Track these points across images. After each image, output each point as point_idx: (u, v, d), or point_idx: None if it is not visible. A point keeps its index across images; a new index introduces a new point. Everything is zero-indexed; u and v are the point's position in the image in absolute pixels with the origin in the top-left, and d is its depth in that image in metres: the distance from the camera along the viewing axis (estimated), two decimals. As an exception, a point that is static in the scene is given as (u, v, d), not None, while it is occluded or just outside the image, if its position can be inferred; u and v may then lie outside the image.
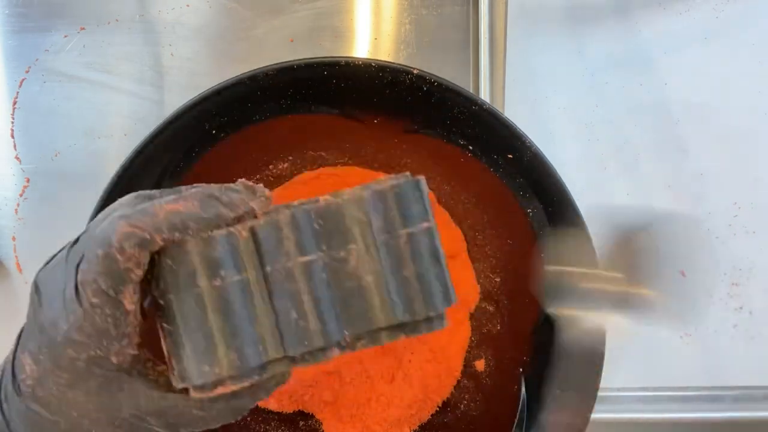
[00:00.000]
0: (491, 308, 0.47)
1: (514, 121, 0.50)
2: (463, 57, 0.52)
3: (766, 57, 0.55)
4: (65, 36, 0.52)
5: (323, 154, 0.45)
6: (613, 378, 0.54)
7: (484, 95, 0.50)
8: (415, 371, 0.44)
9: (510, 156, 0.40)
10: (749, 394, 0.54)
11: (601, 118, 0.54)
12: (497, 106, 0.51)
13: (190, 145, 0.41)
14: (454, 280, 0.46)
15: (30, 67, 0.52)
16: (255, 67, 0.49)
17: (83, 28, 0.52)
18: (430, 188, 0.46)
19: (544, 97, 0.53)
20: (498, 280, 0.47)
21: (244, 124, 0.41)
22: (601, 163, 0.54)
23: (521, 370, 0.44)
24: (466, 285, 0.47)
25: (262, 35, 0.51)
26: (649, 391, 0.54)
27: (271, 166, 0.45)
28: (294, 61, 0.37)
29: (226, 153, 0.42)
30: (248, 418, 0.44)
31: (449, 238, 0.47)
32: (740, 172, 0.55)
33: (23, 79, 0.52)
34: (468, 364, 0.47)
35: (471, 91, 0.50)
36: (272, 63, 0.37)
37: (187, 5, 0.50)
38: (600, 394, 0.53)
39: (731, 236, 0.55)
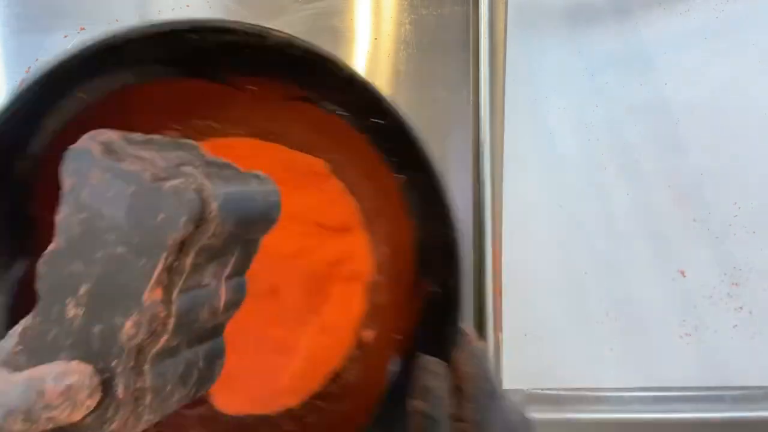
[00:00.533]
0: (382, 279, 0.47)
1: (514, 121, 0.51)
2: (463, 57, 0.51)
3: (767, 56, 0.55)
4: (65, 36, 0.52)
5: (212, 123, 0.44)
6: (612, 378, 0.54)
7: (484, 95, 0.50)
8: (306, 342, 0.44)
9: (378, 122, 0.39)
10: (749, 394, 0.54)
11: (601, 118, 0.53)
12: (497, 106, 0.51)
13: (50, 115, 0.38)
14: (352, 253, 0.47)
15: (30, 67, 0.51)
16: None
17: (83, 28, 0.52)
18: (321, 158, 0.46)
19: (544, 97, 0.53)
20: (387, 251, 0.47)
21: (109, 89, 0.38)
22: (601, 164, 0.54)
23: (401, 338, 0.44)
24: (362, 257, 0.47)
25: (261, 35, 0.50)
26: (649, 392, 0.54)
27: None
28: (156, 23, 0.35)
29: (96, 120, 0.40)
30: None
31: (344, 210, 0.46)
32: (740, 172, 0.55)
33: (23, 79, 0.51)
34: (358, 335, 0.47)
35: (470, 89, 0.50)
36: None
37: (188, 5, 0.50)
38: (599, 394, 0.54)
39: (731, 236, 0.55)
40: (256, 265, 0.45)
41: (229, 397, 0.44)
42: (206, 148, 0.44)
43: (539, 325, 0.54)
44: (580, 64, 0.53)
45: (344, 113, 0.41)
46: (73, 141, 0.34)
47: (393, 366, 0.42)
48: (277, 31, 0.35)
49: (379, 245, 0.47)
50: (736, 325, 0.54)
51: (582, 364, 0.55)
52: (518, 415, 0.37)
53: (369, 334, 0.46)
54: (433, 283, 0.40)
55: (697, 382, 0.54)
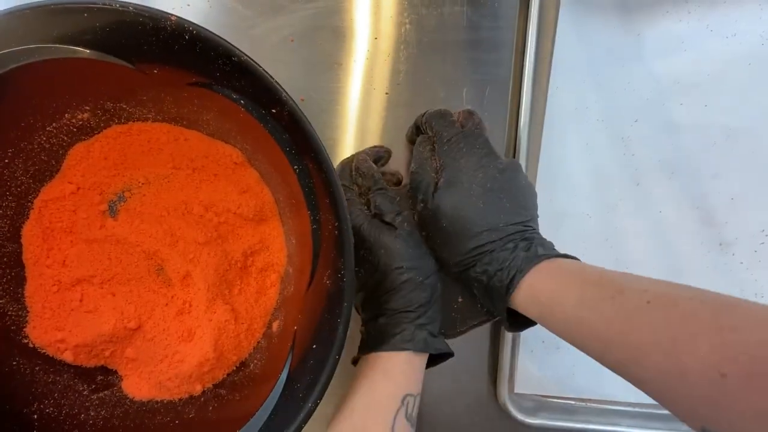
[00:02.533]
0: (291, 270, 0.46)
1: (555, 127, 0.50)
2: (462, 57, 0.50)
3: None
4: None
5: (124, 106, 0.44)
6: (624, 392, 0.53)
7: (526, 100, 0.49)
8: (214, 331, 0.44)
9: (273, 111, 0.38)
10: None
11: (638, 133, 0.52)
12: (538, 112, 0.50)
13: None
14: (267, 243, 0.46)
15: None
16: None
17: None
18: (234, 146, 0.46)
19: (584, 107, 0.52)
20: (294, 241, 0.46)
21: (14, 63, 0.38)
22: (634, 179, 0.53)
23: (295, 328, 0.43)
24: (277, 247, 0.46)
25: (262, 35, 0.50)
26: (662, 409, 0.53)
27: (68, 115, 0.43)
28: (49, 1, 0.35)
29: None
30: (37, 368, 0.43)
31: (261, 200, 0.46)
32: (770, 200, 0.53)
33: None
34: (268, 325, 0.46)
35: (511, 95, 0.50)
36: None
37: (188, 5, 0.50)
38: (611, 407, 0.55)
39: (756, 263, 0.53)
40: (171, 252, 0.44)
41: (136, 382, 0.45)
42: (124, 130, 0.44)
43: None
44: (624, 78, 0.51)
45: (245, 102, 0.40)
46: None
47: (289, 358, 0.42)
48: (169, 14, 0.35)
49: (291, 236, 0.46)
50: None
51: (595, 377, 0.54)
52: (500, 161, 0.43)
53: (276, 325, 0.46)
54: (327, 275, 0.39)
55: None
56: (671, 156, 0.52)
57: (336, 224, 0.37)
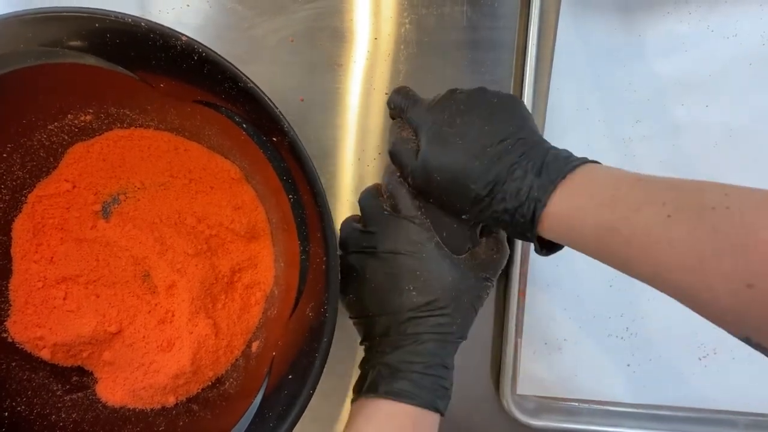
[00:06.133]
0: (276, 292, 0.46)
1: (555, 128, 0.50)
2: (462, 57, 0.50)
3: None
4: (65, 35, 0.52)
5: (127, 112, 0.44)
6: (626, 394, 0.53)
7: (527, 100, 0.49)
8: (194, 344, 0.43)
9: (274, 139, 0.38)
10: (763, 421, 0.53)
11: (639, 133, 0.52)
12: (538, 113, 0.50)
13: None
14: (256, 262, 0.46)
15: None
16: (256, 66, 0.49)
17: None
18: (232, 162, 0.46)
19: (585, 108, 0.51)
20: (282, 264, 0.46)
21: (18, 65, 0.38)
22: None
23: (273, 354, 0.43)
24: (265, 267, 0.46)
25: (262, 35, 0.50)
26: (662, 410, 0.54)
27: (70, 116, 0.43)
28: (61, 8, 0.35)
29: (4, 96, 0.40)
30: (13, 364, 0.43)
31: (254, 218, 0.46)
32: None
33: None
34: (248, 344, 0.46)
35: (515, 91, 0.50)
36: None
37: (187, 5, 0.50)
38: (613, 408, 0.55)
39: None
40: (159, 260, 0.44)
41: (110, 387, 0.45)
42: (125, 135, 0.45)
43: (559, 335, 0.53)
44: (625, 78, 0.51)
45: (247, 126, 0.40)
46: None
47: (264, 384, 0.42)
48: (180, 33, 0.35)
49: (279, 259, 0.46)
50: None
51: (598, 378, 0.54)
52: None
53: (256, 346, 0.46)
54: (310, 307, 0.39)
55: (711, 404, 0.54)
56: (672, 156, 0.52)
57: (324, 259, 0.37)
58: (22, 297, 0.44)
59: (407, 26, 0.50)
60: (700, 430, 0.53)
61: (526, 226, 0.37)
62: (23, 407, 0.42)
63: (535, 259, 0.52)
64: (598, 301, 0.53)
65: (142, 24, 0.34)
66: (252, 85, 0.36)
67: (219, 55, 0.35)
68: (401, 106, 0.44)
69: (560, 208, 0.36)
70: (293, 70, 0.50)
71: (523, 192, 0.37)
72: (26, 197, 0.44)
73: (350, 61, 0.50)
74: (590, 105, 0.51)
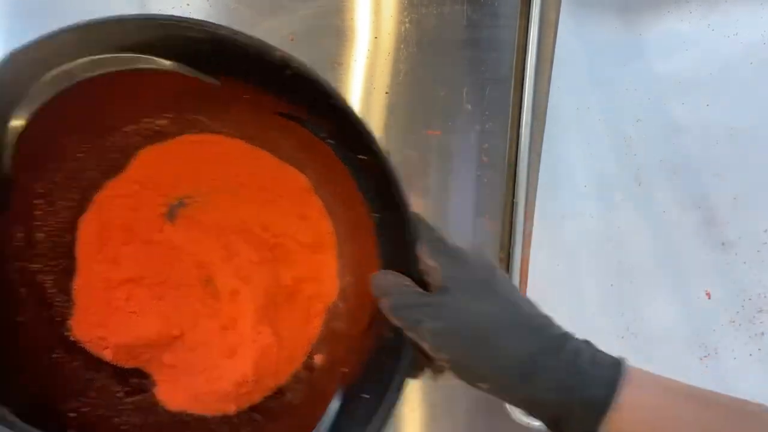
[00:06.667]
0: (342, 307, 0.46)
1: (555, 128, 0.50)
2: (462, 56, 0.51)
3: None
4: (66, 35, 0.52)
5: (203, 118, 0.44)
6: None
7: (528, 100, 0.49)
8: (256, 353, 0.43)
9: (361, 157, 0.38)
10: None
11: (640, 133, 0.52)
12: (539, 112, 0.50)
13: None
14: (319, 273, 0.47)
15: (30, 65, 0.52)
16: None
17: (84, 28, 0.52)
18: (305, 175, 0.46)
19: (586, 107, 0.52)
20: (352, 280, 0.46)
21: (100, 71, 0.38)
22: (636, 179, 0.53)
23: (344, 370, 0.43)
24: (328, 279, 0.46)
25: (262, 34, 0.49)
26: None
27: (147, 120, 0.43)
28: (158, 15, 0.35)
29: (82, 97, 0.39)
30: (76, 363, 0.42)
31: (320, 229, 0.46)
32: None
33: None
34: (309, 356, 0.46)
35: (512, 95, 0.50)
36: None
37: (188, 4, 0.50)
38: None
39: (759, 263, 0.54)
40: (223, 266, 0.44)
41: (171, 391, 0.44)
42: (197, 140, 0.44)
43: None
44: (626, 77, 0.52)
45: (333, 142, 0.40)
46: (58, 113, 0.36)
47: (335, 400, 0.41)
48: (276, 48, 0.35)
49: (346, 272, 0.46)
50: (760, 349, 0.52)
51: None
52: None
53: (319, 359, 0.46)
54: (387, 327, 0.39)
55: None
56: (673, 155, 0.52)
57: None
58: (85, 297, 0.43)
59: (407, 25, 0.50)
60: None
61: (591, 413, 0.30)
62: (87, 409, 0.42)
63: (535, 259, 0.52)
64: (598, 301, 0.53)
65: (239, 37, 0.35)
66: (346, 104, 0.36)
67: (314, 72, 0.35)
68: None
69: (643, 398, 0.31)
70: (293, 69, 0.50)
71: (581, 373, 0.31)
72: (93, 198, 0.44)
73: (350, 60, 0.50)
74: (590, 105, 0.52)
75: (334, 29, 0.50)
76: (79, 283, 0.43)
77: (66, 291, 0.43)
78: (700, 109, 0.52)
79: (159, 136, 0.44)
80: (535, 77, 0.50)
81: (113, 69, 0.38)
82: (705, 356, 0.53)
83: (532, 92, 0.50)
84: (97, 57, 0.37)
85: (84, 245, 0.43)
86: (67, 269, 0.43)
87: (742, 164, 0.53)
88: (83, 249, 0.43)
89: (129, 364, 0.44)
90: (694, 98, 0.52)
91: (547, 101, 0.51)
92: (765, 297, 0.54)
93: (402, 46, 0.50)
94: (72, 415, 0.41)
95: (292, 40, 0.50)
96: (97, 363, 0.43)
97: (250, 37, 0.35)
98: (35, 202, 0.41)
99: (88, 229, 0.43)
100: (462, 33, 0.50)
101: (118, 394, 0.43)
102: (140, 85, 0.39)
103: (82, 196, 0.43)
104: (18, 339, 0.40)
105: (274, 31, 0.50)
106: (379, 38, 0.50)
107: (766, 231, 0.54)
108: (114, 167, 0.44)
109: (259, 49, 0.35)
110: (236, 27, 0.49)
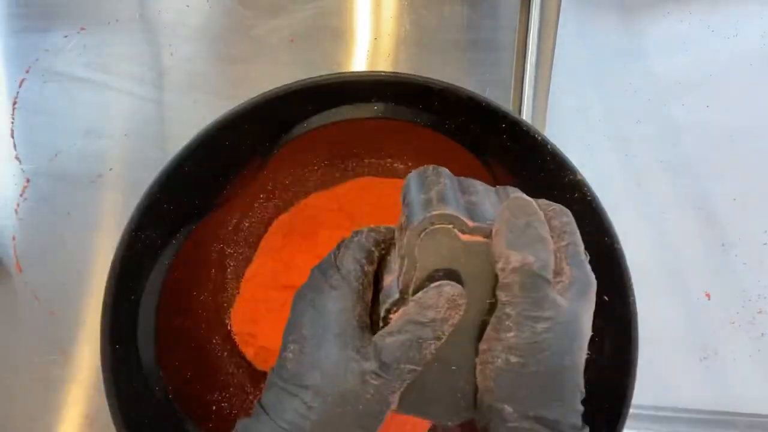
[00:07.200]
0: None
1: (555, 128, 0.50)
2: (462, 57, 0.50)
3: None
4: (65, 36, 0.52)
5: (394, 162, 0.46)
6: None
7: (527, 101, 0.49)
8: None
9: (569, 196, 0.40)
10: (763, 422, 0.53)
11: (640, 133, 0.52)
12: (539, 113, 0.50)
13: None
14: None
15: (30, 67, 0.52)
16: (256, 66, 0.49)
17: (83, 29, 0.52)
18: None
19: (586, 108, 0.52)
20: None
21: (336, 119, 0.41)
22: (636, 179, 0.53)
23: None
24: None
25: (262, 35, 0.50)
26: (661, 411, 0.54)
27: (390, 159, 0.46)
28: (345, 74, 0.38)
29: (319, 141, 0.42)
30: (226, 354, 0.44)
31: None
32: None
33: (23, 79, 0.52)
34: None
35: (513, 95, 0.50)
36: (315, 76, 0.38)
37: (187, 5, 0.50)
38: None
39: (759, 263, 0.53)
40: None
41: None
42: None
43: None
44: (625, 79, 0.51)
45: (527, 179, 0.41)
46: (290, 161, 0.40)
47: None
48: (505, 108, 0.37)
49: None
50: (759, 350, 0.52)
51: None
52: None
53: None
54: None
55: (710, 405, 0.53)
56: (673, 156, 0.52)
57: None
58: (249, 290, 0.45)
59: (407, 26, 0.50)
60: (701, 430, 0.53)
61: None
62: (225, 404, 0.42)
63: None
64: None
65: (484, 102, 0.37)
66: (542, 137, 0.39)
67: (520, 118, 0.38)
68: None
69: None
70: (293, 70, 0.50)
71: None
72: (300, 201, 0.46)
73: (350, 61, 0.50)
74: (590, 105, 0.52)
75: (333, 30, 0.50)
76: (249, 274, 0.45)
77: (238, 278, 0.45)
78: (700, 109, 0.52)
79: (386, 172, 0.46)
80: (535, 77, 0.50)
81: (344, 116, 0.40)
82: (705, 357, 0.53)
83: (531, 92, 0.50)
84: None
85: (269, 240, 0.45)
86: (247, 259, 0.45)
87: (742, 164, 0.52)
88: (267, 243, 0.45)
89: (262, 368, 0.45)
90: (694, 98, 0.52)
91: (546, 102, 0.51)
92: (765, 298, 0.54)
93: (402, 47, 0.50)
94: (213, 407, 0.42)
95: (291, 41, 0.50)
96: (239, 359, 0.44)
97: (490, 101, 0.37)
98: (261, 195, 0.45)
99: (279, 226, 0.45)
100: (462, 33, 0.50)
101: (249, 396, 0.44)
102: (364, 130, 0.42)
103: (293, 197, 0.46)
104: (193, 317, 0.42)
105: (274, 32, 0.50)
106: (379, 39, 0.50)
107: (766, 231, 0.54)
108: (331, 182, 0.46)
109: (494, 110, 0.38)
110: (236, 28, 0.50)
